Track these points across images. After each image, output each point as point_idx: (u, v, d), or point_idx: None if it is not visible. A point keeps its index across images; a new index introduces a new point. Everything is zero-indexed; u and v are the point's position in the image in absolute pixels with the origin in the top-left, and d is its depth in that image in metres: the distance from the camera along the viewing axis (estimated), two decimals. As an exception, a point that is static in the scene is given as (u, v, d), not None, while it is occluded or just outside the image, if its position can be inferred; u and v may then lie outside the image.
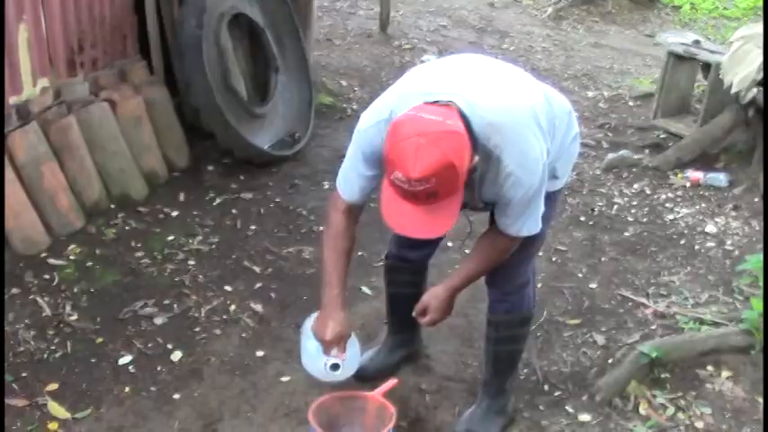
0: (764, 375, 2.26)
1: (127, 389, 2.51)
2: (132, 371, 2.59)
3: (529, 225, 1.93)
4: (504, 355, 2.31)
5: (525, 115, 1.85)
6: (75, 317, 2.82)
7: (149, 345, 2.72)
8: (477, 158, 1.75)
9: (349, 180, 2.03)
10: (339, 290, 2.09)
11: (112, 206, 3.51)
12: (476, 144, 1.75)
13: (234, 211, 3.66)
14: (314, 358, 2.13)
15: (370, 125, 1.93)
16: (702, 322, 2.88)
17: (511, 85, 1.91)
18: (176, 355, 2.68)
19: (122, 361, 2.63)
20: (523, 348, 2.38)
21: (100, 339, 2.72)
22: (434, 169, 1.63)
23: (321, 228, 3.51)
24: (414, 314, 2.22)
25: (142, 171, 3.66)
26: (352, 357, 2.16)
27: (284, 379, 2.59)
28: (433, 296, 2.14)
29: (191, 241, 3.35)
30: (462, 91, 1.80)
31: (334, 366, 2.09)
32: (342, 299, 2.09)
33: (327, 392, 2.20)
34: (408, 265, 2.42)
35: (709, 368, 2.62)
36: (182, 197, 3.71)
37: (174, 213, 3.58)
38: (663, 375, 2.59)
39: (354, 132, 2.00)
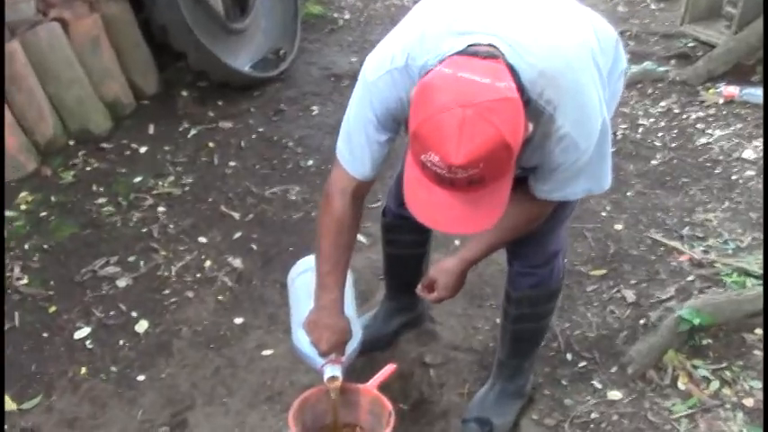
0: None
1: (83, 370, 2.16)
2: (90, 346, 2.24)
3: (575, 190, 1.52)
4: (525, 335, 1.95)
5: (582, 57, 1.39)
6: (24, 281, 2.45)
7: (111, 313, 2.36)
8: (531, 126, 1.31)
9: (355, 149, 1.56)
10: (338, 294, 1.70)
11: (71, 143, 3.09)
12: (527, 104, 1.29)
13: (210, 144, 3.24)
14: (308, 350, 1.76)
15: (379, 75, 1.45)
16: (747, 274, 2.50)
17: (557, 18, 1.42)
18: (141, 326, 2.32)
19: (79, 334, 2.28)
20: (548, 326, 2.01)
21: (53, 308, 2.36)
22: (485, 152, 1.19)
23: (310, 163, 3.11)
24: (418, 291, 1.84)
25: (104, 101, 3.22)
26: (353, 352, 1.81)
27: (266, 353, 2.24)
28: (442, 270, 1.75)
29: (161, 183, 2.94)
30: (501, 28, 1.32)
31: (332, 379, 1.73)
32: (341, 304, 1.72)
33: (312, 383, 1.84)
34: (411, 223, 2.01)
35: (758, 332, 2.26)
36: (151, 129, 3.28)
37: (143, 149, 3.16)
38: (704, 342, 2.24)
39: (358, 84, 1.52)
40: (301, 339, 1.77)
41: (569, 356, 2.26)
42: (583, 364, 2.23)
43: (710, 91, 3.77)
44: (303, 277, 1.95)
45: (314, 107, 3.53)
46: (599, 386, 2.16)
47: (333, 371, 1.74)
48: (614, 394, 2.13)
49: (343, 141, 1.57)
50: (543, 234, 1.74)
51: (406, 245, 2.09)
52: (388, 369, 1.87)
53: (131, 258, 2.56)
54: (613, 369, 2.21)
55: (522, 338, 1.96)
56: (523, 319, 1.90)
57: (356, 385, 1.81)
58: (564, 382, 2.17)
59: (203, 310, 2.39)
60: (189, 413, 2.05)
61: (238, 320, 2.36)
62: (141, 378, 2.15)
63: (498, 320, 2.31)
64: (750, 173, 3.15)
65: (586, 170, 1.47)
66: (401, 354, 2.24)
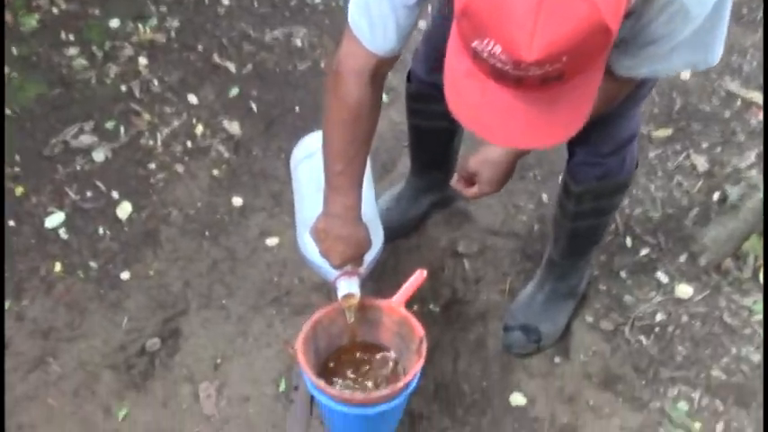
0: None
1: (57, 266, 1.84)
2: (64, 237, 1.91)
3: (671, 65, 1.08)
4: (584, 233, 1.58)
5: None
6: (-15, 156, 2.08)
7: (87, 194, 2.00)
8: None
9: (376, 19, 1.13)
10: (353, 198, 1.31)
11: (32, -21, 2.59)
12: None
13: (199, -26, 2.72)
14: (317, 259, 1.42)
15: None
16: None
17: None
18: (124, 210, 1.97)
19: (51, 222, 1.94)
20: (611, 221, 1.64)
21: (20, 189, 2.00)
22: (572, 42, 0.77)
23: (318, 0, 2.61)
24: (453, 184, 1.46)
25: (68, -76, 2.66)
26: (373, 260, 1.46)
27: (271, 242, 1.90)
28: (486, 162, 1.35)
29: (141, 28, 2.47)
30: None
31: (348, 297, 1.39)
32: (357, 210, 1.34)
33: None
34: (442, 92, 1.60)
35: None
36: (127, -41, 2.75)
37: (118, -16, 2.65)
38: (794, 225, 1.86)
39: None
40: (308, 245, 1.42)
41: (629, 242, 1.90)
42: (645, 251, 1.88)
43: None
44: (309, 163, 1.56)
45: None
46: (665, 279, 1.82)
47: (348, 286, 1.41)
48: (683, 290, 1.80)
49: (357, 8, 1.13)
50: (616, 116, 1.33)
51: (437, 116, 1.65)
52: (418, 278, 1.52)
53: (109, 124, 2.17)
54: (682, 258, 1.86)
55: (581, 236, 1.60)
56: (584, 216, 1.52)
57: (378, 301, 1.48)
58: (623, 275, 1.84)
59: (196, 189, 2.03)
60: (182, 319, 1.75)
61: (237, 201, 2.00)
62: (125, 276, 1.83)
63: (545, 197, 1.96)
64: None
65: (692, 40, 1.03)
66: (429, 242, 1.90)
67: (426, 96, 1.62)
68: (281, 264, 1.86)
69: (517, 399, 1.61)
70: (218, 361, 1.67)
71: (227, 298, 1.79)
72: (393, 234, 1.84)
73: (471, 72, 0.87)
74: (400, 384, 1.33)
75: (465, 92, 0.90)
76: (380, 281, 1.72)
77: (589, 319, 1.75)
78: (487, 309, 1.77)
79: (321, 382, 1.34)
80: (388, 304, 1.46)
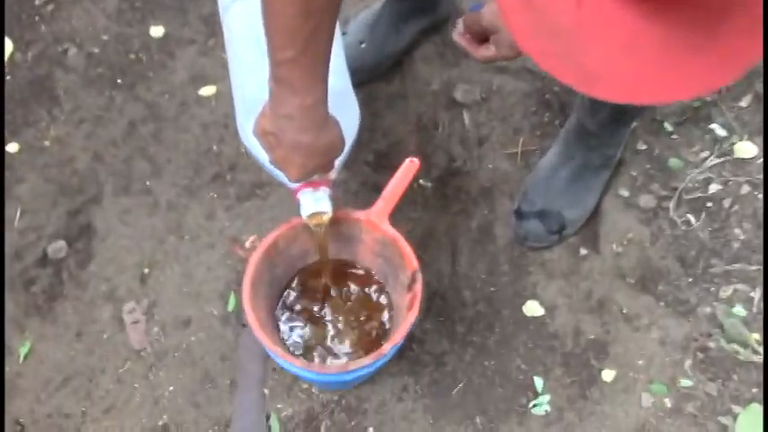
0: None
1: None
2: None
3: None
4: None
5: None
6: None
7: (-51, 27, 1.46)
8: None
9: None
10: (317, 97, 0.86)
11: None
12: None
13: None
14: (269, 166, 0.99)
15: None
16: None
17: None
18: (5, 49, 1.45)
19: None
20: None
21: None
22: None
23: None
24: (455, 38, 1.00)
25: None
26: (348, 152, 1.02)
27: (206, 91, 1.43)
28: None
29: None
30: None
31: (315, 215, 0.99)
32: (323, 109, 0.89)
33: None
34: None
35: None
36: None
37: None
38: None
39: None
40: (252, 139, 0.97)
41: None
42: (696, 103, 1.44)
43: None
44: (245, 5, 1.07)
45: None
46: (722, 132, 1.41)
47: (315, 202, 1.00)
48: (745, 148, 1.39)
49: None
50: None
51: None
52: (406, 172, 1.10)
53: None
54: (742, 102, 1.43)
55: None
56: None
57: (354, 213, 1.07)
58: (668, 127, 1.41)
59: (100, 15, 1.50)
60: (94, 211, 1.33)
61: (156, 31, 1.49)
62: (12, 149, 1.38)
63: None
64: None
65: None
66: (416, 86, 1.44)
67: None
68: (220, 124, 1.40)
69: (532, 308, 1.27)
70: (146, 270, 1.28)
71: (151, 177, 1.36)
72: (368, 75, 1.40)
73: None
74: (386, 348, 0.97)
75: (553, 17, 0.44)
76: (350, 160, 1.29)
77: (624, 192, 1.35)
78: (494, 182, 1.36)
79: (280, 350, 0.96)
80: (367, 217, 1.05)
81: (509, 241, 1.31)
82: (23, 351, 1.21)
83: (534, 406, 1.19)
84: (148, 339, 1.22)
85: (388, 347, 0.96)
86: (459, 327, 1.25)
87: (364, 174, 1.36)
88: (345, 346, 1.10)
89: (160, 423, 1.17)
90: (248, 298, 0.98)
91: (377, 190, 1.32)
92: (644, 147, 1.39)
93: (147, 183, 1.35)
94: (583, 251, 1.31)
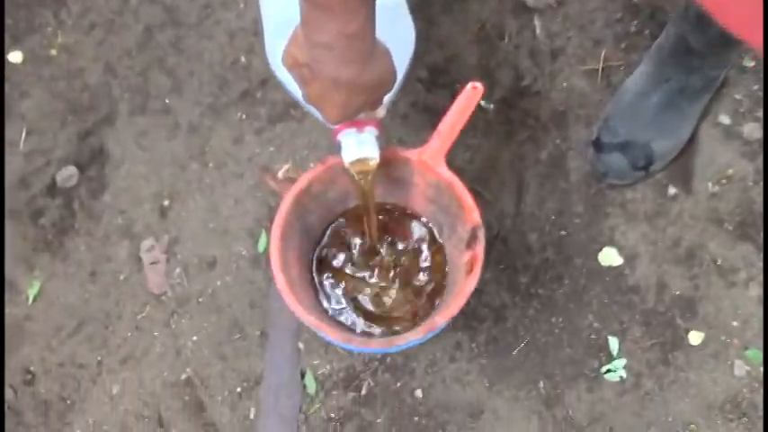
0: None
1: None
2: None
3: None
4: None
5: None
6: None
7: None
8: None
9: None
10: (362, 23, 0.65)
11: None
12: None
13: None
14: (303, 101, 0.80)
15: None
16: None
17: None
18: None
19: None
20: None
21: None
22: None
23: None
24: None
25: None
26: (399, 85, 0.83)
27: (233, -7, 1.22)
28: None
29: None
30: None
31: (362, 162, 0.81)
32: (370, 37, 0.68)
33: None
34: None
35: None
36: None
37: None
38: None
39: None
40: (283, 70, 0.79)
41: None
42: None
43: None
44: None
45: None
46: None
47: (362, 147, 0.82)
48: None
49: None
50: None
51: None
52: (468, 99, 0.90)
53: None
54: None
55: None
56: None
57: (404, 154, 0.88)
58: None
59: None
60: (107, 132, 1.17)
61: None
62: (15, 59, 1.21)
63: None
64: None
65: None
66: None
67: None
68: (249, 31, 1.21)
69: (609, 256, 1.09)
70: (165, 202, 1.13)
71: (170, 94, 1.18)
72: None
73: None
74: (438, 321, 0.81)
75: None
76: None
77: (724, 119, 1.14)
78: (568, 105, 1.16)
79: (314, 320, 0.81)
80: (419, 157, 0.87)
81: (584, 177, 1.12)
82: (32, 292, 1.09)
83: (607, 371, 1.03)
84: (169, 282, 1.08)
85: (442, 321, 0.80)
86: (522, 276, 1.08)
87: (415, 92, 1.16)
88: (390, 308, 0.94)
89: (183, 377, 1.05)
90: (277, 256, 0.82)
91: (430, 112, 1.14)
92: (752, 63, 1.16)
93: (166, 100, 1.18)
94: (672, 190, 1.11)
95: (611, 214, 1.10)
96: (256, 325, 1.06)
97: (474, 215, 0.84)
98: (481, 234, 0.83)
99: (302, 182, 0.86)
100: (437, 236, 0.95)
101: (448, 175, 0.86)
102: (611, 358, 1.04)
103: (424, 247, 0.95)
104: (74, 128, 1.17)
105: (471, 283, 0.81)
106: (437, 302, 0.93)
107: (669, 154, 1.10)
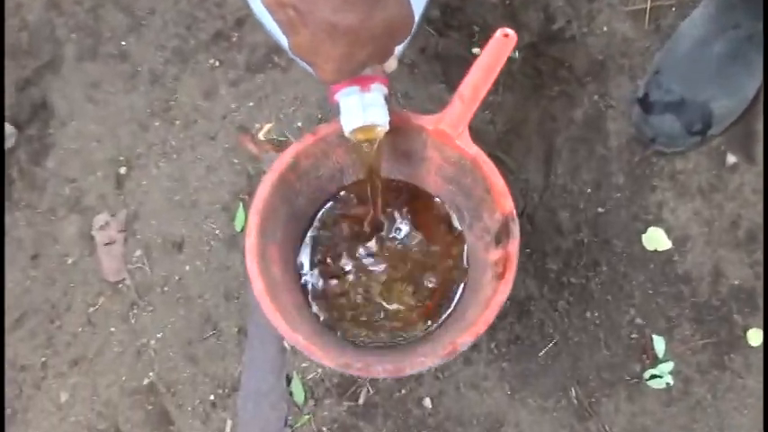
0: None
1: None
2: None
3: None
4: None
5: None
6: None
7: None
8: None
9: None
10: None
11: None
12: None
13: None
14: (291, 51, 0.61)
15: None
16: None
17: None
18: None
19: None
20: None
21: None
22: None
23: None
24: None
25: None
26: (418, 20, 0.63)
27: None
28: None
29: None
30: None
31: (363, 131, 0.63)
32: None
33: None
34: None
35: None
36: None
37: None
38: None
39: None
40: (265, 12, 0.59)
41: None
42: None
43: None
44: None
45: None
46: None
47: (367, 111, 0.63)
48: None
49: None
50: None
51: None
52: (498, 51, 0.71)
53: None
54: None
55: None
56: None
57: (417, 120, 0.69)
58: None
59: None
60: (50, 80, 0.97)
61: None
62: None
63: None
64: None
65: None
66: None
67: None
68: None
69: (655, 238, 0.91)
70: (122, 170, 0.94)
71: (128, 35, 0.98)
72: None
73: None
74: (461, 342, 0.63)
75: None
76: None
77: (796, 73, 0.94)
78: (609, 54, 0.96)
79: (301, 339, 0.63)
80: (436, 125, 0.68)
81: (627, 142, 0.93)
82: (-38, 279, 0.90)
83: (652, 377, 0.86)
84: (127, 268, 0.90)
85: (466, 341, 0.62)
86: (551, 262, 0.90)
87: (425, 36, 0.96)
88: (397, 311, 0.76)
89: (145, 382, 0.87)
90: (255, 255, 0.64)
91: (442, 61, 0.94)
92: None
93: (122, 43, 0.97)
94: (731, 159, 0.93)
95: (657, 188, 0.92)
96: (233, 320, 0.88)
97: (506, 202, 0.66)
98: (515, 227, 0.65)
99: (287, 157, 0.67)
100: (455, 222, 0.77)
101: (474, 150, 0.67)
102: (656, 361, 0.87)
103: (440, 235, 0.77)
104: (11, 77, 0.96)
105: (503, 293, 0.63)
106: (453, 304, 0.75)
107: (730, 116, 0.91)
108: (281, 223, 0.70)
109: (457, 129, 0.68)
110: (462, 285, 0.75)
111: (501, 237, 0.66)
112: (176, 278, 0.90)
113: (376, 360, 0.63)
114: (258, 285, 0.63)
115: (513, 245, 0.64)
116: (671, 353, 0.87)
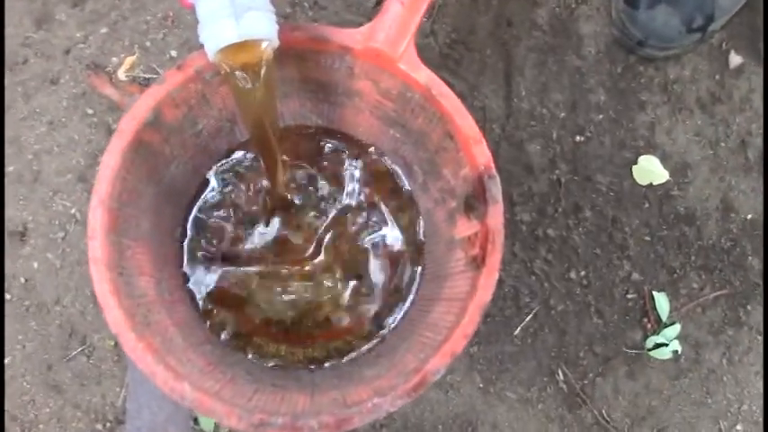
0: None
1: None
2: None
3: None
4: None
5: None
6: None
7: None
8: None
9: None
10: None
11: None
12: None
13: None
14: None
15: None
16: None
17: None
18: None
19: None
20: None
21: None
22: None
23: None
24: None
25: None
26: None
27: None
28: None
29: None
30: None
31: (242, 49, 0.38)
32: None
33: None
34: None
35: None
36: None
37: None
38: None
39: None
40: None
41: None
42: None
43: None
44: None
45: None
46: None
47: (243, 23, 0.39)
48: None
49: None
50: None
51: None
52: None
53: None
54: None
55: None
56: None
57: (336, 36, 0.45)
58: None
59: None
60: None
61: None
62: None
63: None
64: None
65: None
66: None
67: None
68: None
69: (648, 169, 0.71)
70: (-73, 136, 0.67)
71: None
72: None
73: None
74: (432, 369, 0.42)
75: None
76: None
77: (806, -56, 0.74)
78: None
79: (187, 389, 0.41)
80: (366, 43, 0.45)
81: (606, 47, 0.72)
82: None
83: (655, 346, 0.68)
84: (-51, 272, 0.65)
85: (437, 367, 0.41)
86: (521, 212, 0.69)
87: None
88: (325, 319, 0.54)
89: (-6, 424, 0.64)
90: (104, 267, 0.40)
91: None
92: None
93: None
94: (735, 59, 0.73)
95: (647, 104, 0.72)
96: (107, 330, 0.65)
97: (479, 152, 0.44)
98: (496, 188, 0.44)
99: (141, 109, 0.43)
100: (403, 181, 0.54)
101: (425, 76, 0.45)
102: (658, 325, 0.69)
103: (381, 200, 0.55)
104: None
105: (485, 289, 0.42)
106: (409, 299, 0.54)
107: (733, 5, 0.71)
108: (148, 209, 0.46)
109: (397, 46, 0.45)
110: (420, 270, 0.54)
111: (473, 202, 0.44)
112: (22, 280, 0.65)
113: (307, 404, 0.42)
114: (114, 316, 0.40)
115: (495, 214, 0.43)
116: (676, 313, 0.69)
